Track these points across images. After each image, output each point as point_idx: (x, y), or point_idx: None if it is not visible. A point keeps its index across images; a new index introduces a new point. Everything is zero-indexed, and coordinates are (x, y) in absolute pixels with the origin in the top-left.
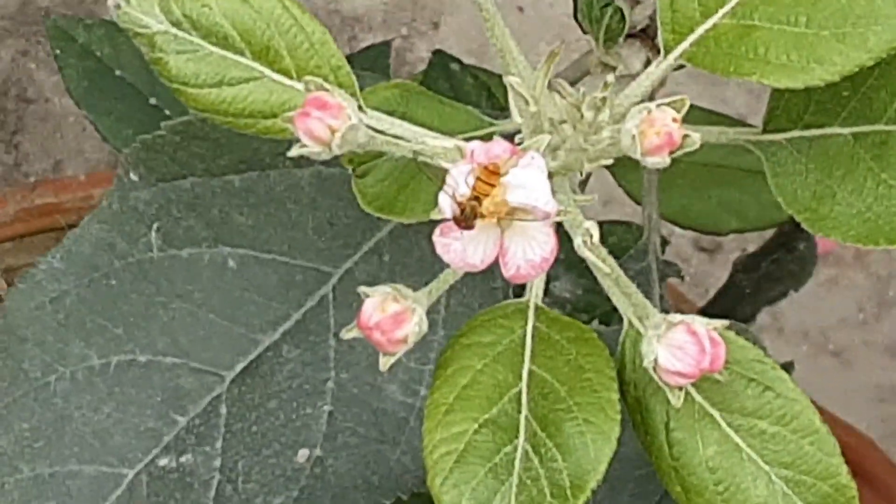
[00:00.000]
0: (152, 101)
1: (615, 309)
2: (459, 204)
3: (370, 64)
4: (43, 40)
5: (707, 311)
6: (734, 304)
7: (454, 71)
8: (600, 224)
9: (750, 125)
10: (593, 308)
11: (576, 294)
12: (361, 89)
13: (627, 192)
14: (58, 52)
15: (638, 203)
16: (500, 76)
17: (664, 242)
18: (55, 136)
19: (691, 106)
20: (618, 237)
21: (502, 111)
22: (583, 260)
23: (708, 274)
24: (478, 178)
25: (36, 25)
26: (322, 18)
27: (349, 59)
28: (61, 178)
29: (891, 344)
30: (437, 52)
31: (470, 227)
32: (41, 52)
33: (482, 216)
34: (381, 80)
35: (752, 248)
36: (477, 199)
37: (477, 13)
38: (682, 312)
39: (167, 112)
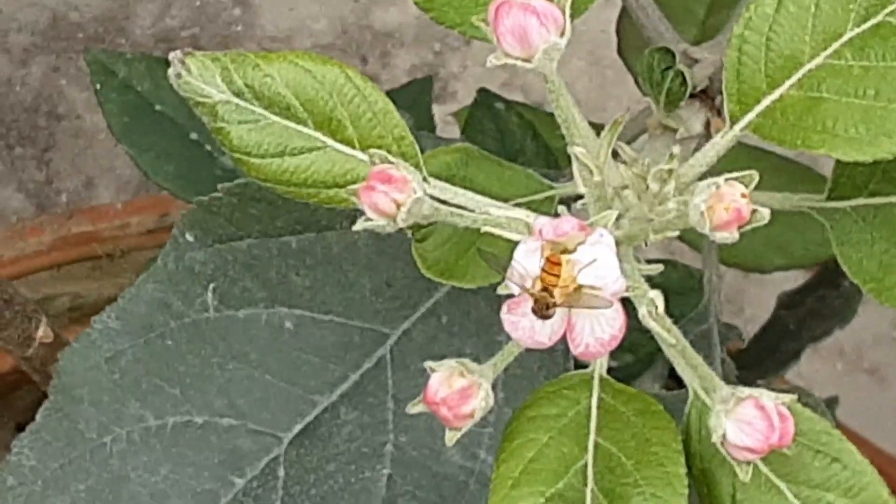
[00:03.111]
0: (193, 135)
1: (659, 349)
2: (532, 296)
3: (411, 100)
4: (74, 56)
5: (751, 349)
6: (778, 341)
7: (499, 110)
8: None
9: (815, 174)
10: (638, 348)
11: None
12: (421, 151)
13: (687, 242)
14: (98, 86)
15: (696, 250)
16: (543, 112)
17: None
18: (86, 153)
19: (760, 151)
20: (665, 277)
21: (547, 150)
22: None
23: (743, 292)
24: (543, 270)
25: (67, 41)
26: (353, 34)
27: (389, 95)
28: (97, 206)
29: None
30: (482, 91)
31: (548, 317)
32: (72, 68)
33: (556, 305)
34: (433, 138)
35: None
36: (546, 289)
37: None
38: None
39: (207, 147)
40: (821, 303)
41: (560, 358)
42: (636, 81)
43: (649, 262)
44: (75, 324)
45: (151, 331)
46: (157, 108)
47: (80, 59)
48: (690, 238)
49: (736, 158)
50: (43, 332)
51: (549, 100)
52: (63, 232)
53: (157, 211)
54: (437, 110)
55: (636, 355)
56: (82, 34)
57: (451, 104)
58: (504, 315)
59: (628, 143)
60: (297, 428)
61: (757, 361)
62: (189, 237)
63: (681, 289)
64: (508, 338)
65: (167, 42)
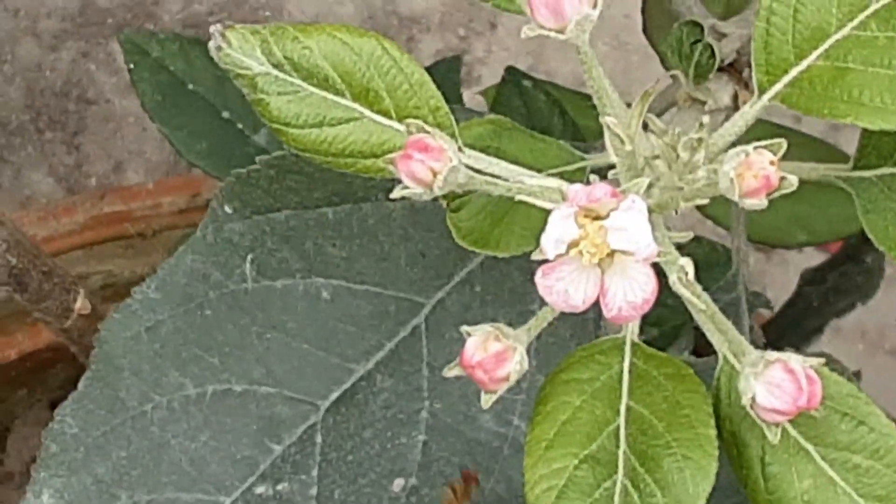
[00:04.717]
0: (225, 114)
1: (684, 323)
2: None
3: (440, 78)
4: (104, 41)
5: (774, 324)
6: (801, 317)
7: (526, 88)
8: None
9: (837, 151)
10: (664, 321)
11: None
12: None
13: (712, 218)
14: (131, 66)
15: (721, 226)
16: (570, 91)
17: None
18: (116, 138)
19: (785, 128)
20: (692, 252)
21: (574, 128)
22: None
23: (765, 273)
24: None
25: (96, 27)
26: (380, 19)
27: None
28: (129, 186)
29: None
30: (510, 69)
31: None
32: (101, 53)
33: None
34: (465, 111)
35: (808, 248)
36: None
37: None
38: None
39: (239, 126)
40: (843, 278)
41: (591, 326)
42: (661, 61)
43: None
44: (108, 302)
45: (191, 301)
46: (190, 87)
47: (109, 45)
48: (716, 214)
49: (762, 135)
50: (81, 304)
51: (582, 70)
52: (95, 212)
53: (188, 191)
54: (463, 94)
55: (662, 329)
56: (111, 20)
57: (477, 89)
58: (539, 279)
59: (657, 116)
60: (334, 395)
61: (780, 336)
62: (228, 209)
63: (707, 264)
64: (541, 306)
65: (195, 28)
